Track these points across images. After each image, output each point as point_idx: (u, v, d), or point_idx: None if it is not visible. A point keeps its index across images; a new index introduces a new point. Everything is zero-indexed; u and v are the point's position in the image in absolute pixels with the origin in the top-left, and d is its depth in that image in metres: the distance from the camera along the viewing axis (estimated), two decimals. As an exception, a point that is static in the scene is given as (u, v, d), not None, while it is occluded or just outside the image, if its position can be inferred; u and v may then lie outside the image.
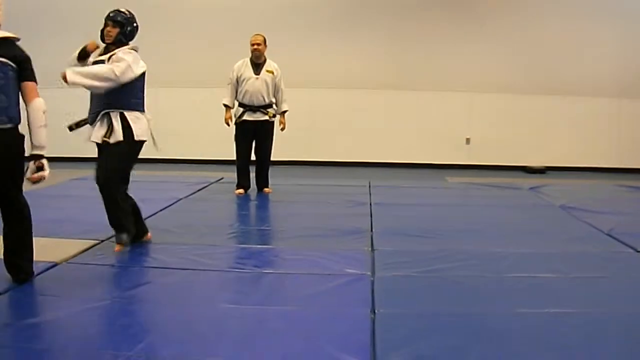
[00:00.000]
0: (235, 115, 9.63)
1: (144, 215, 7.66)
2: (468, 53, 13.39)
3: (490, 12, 13.38)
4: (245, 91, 9.49)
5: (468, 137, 13.75)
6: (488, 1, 13.46)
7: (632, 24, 13.64)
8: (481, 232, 7.26)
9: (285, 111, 9.70)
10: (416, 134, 14.13)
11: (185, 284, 5.30)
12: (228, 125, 9.70)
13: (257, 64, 9.53)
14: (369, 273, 5.53)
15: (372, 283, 5.26)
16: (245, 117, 9.55)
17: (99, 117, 6.36)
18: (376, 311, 4.57)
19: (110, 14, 6.34)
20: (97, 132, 6.35)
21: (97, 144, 6.35)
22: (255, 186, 9.88)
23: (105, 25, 6.32)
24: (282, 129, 9.69)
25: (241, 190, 9.71)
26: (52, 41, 14.24)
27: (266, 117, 9.58)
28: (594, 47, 13.41)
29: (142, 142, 6.52)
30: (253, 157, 9.82)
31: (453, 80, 13.54)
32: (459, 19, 13.74)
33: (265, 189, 9.86)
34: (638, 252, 6.40)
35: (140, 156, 13.76)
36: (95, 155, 6.50)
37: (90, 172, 11.71)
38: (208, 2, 14.08)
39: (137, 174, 11.62)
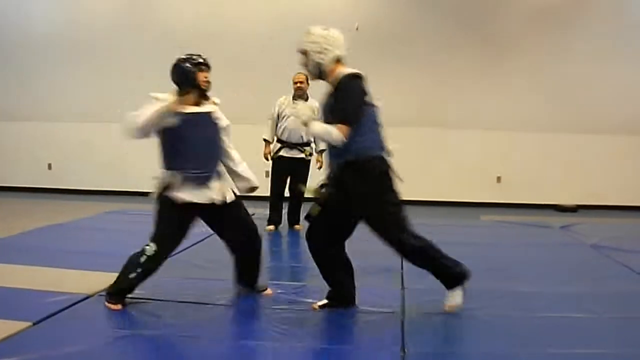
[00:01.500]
0: (272, 151, 9.71)
1: (177, 250, 7.74)
2: (499, 90, 13.38)
3: (522, 50, 13.36)
4: (285, 128, 9.59)
5: (499, 175, 13.72)
6: (520, 39, 13.47)
7: (635, 61, 13.57)
8: (512, 270, 7.23)
9: (323, 150, 9.60)
10: (448, 172, 14.10)
11: (212, 320, 5.32)
12: (267, 159, 9.78)
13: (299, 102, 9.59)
14: (400, 311, 5.52)
15: (402, 322, 5.25)
16: (282, 153, 9.64)
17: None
18: (406, 350, 4.56)
19: (206, 60, 5.92)
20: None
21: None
22: (286, 222, 9.92)
23: (202, 71, 5.84)
24: (319, 168, 9.59)
25: (272, 227, 9.74)
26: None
27: (303, 155, 9.65)
28: (625, 85, 13.36)
29: None
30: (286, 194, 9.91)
31: (484, 118, 13.52)
32: (491, 56, 13.75)
33: (296, 226, 9.88)
34: (671, 292, 6.36)
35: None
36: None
37: (122, 205, 11.92)
38: (248, 39, 14.15)
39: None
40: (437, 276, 5.70)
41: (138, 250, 5.74)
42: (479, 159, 13.74)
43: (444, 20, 14.04)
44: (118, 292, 5.64)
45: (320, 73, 5.61)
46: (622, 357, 4.57)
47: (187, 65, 5.75)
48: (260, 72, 13.57)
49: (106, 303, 5.56)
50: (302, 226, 9.54)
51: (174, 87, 5.78)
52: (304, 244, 8.90)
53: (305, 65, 5.66)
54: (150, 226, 8.96)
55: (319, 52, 5.58)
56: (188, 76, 5.74)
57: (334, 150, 5.51)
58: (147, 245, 5.74)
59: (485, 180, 13.86)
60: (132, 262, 5.71)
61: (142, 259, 5.67)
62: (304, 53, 5.64)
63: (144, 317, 5.34)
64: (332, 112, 5.47)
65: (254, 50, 14.08)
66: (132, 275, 5.67)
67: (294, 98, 9.60)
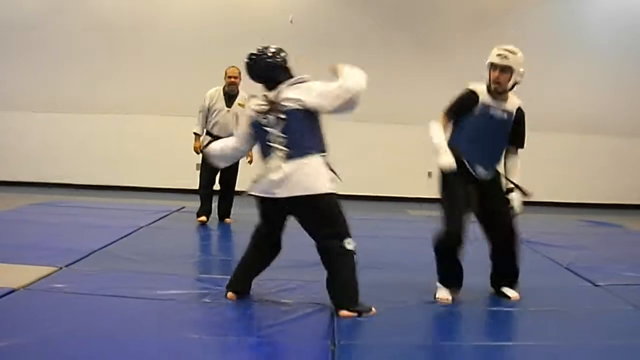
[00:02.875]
0: (203, 144, 9.42)
1: (105, 242, 7.65)
2: (431, 86, 13.50)
3: (456, 47, 13.50)
4: (216, 122, 9.50)
5: (430, 170, 13.83)
6: (456, 36, 13.61)
7: (592, 63, 13.88)
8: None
9: None
10: (378, 167, 14.18)
11: (144, 314, 5.26)
12: (197, 153, 9.62)
13: (230, 96, 9.53)
14: (330, 305, 5.52)
15: (332, 315, 5.25)
16: None
17: None
18: (337, 343, 4.57)
19: None
20: None
21: None
22: (216, 215, 9.84)
23: None
24: (250, 162, 9.46)
25: (203, 218, 9.66)
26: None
27: None
28: (558, 85, 13.60)
29: None
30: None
31: (415, 113, 13.61)
32: (424, 52, 13.88)
33: (227, 219, 9.84)
34: (596, 286, 6.47)
35: (101, 183, 13.75)
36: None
37: (49, 197, 11.73)
38: (177, 30, 14.09)
39: (98, 201, 11.64)
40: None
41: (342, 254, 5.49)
42: (410, 153, 13.83)
43: (381, 17, 14.16)
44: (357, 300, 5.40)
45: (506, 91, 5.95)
46: (547, 349, 4.64)
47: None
48: (193, 63, 13.47)
49: (364, 314, 5.31)
50: (233, 219, 9.54)
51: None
52: (234, 237, 8.98)
53: (498, 79, 5.87)
54: (79, 218, 8.87)
55: (521, 75, 5.96)
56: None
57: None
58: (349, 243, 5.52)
59: (415, 175, 13.97)
60: (351, 268, 5.48)
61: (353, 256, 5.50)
62: (508, 69, 5.85)
63: (71, 312, 5.25)
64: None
65: (187, 41, 14.01)
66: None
67: (226, 91, 9.55)
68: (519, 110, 6.18)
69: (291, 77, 5.71)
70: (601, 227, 11.01)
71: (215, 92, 9.60)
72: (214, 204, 9.87)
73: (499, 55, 5.92)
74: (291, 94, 5.51)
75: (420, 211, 12.23)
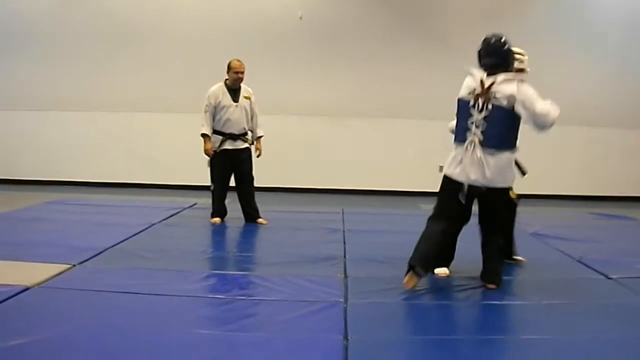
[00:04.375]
0: (214, 144, 9.23)
1: (117, 240, 7.67)
2: (440, 81, 13.48)
3: (468, 42, 13.43)
4: (227, 120, 9.18)
5: (441, 165, 13.80)
6: (467, 31, 13.58)
7: (598, 56, 13.85)
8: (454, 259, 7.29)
9: (261, 136, 9.49)
10: (389, 162, 14.19)
11: (156, 310, 5.28)
12: (209, 156, 9.31)
13: (234, 90, 9.25)
14: (342, 300, 5.53)
15: (345, 310, 5.26)
16: (226, 146, 9.24)
17: None
18: (349, 338, 4.57)
19: None
20: None
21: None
22: (234, 215, 9.63)
23: None
24: (258, 156, 9.45)
25: (217, 219, 9.45)
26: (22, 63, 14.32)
27: (247, 145, 9.35)
28: (562, 77, 13.55)
29: None
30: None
31: (425, 108, 13.61)
32: (433, 48, 13.87)
33: (259, 219, 9.50)
34: (609, 279, 6.46)
35: (112, 180, 13.80)
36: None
37: (62, 195, 11.77)
38: (184, 27, 14.11)
39: (110, 199, 11.68)
40: None
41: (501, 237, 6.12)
42: (421, 148, 13.83)
43: (388, 12, 14.14)
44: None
45: None
46: (560, 342, 4.64)
47: None
48: (204, 59, 13.46)
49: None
50: (266, 220, 9.44)
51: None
52: (246, 234, 8.98)
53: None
54: (92, 216, 8.91)
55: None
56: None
57: None
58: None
59: (427, 170, 13.96)
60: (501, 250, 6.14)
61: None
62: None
63: (85, 309, 5.27)
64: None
65: (196, 37, 14.03)
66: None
67: (229, 86, 9.27)
68: None
69: (510, 70, 5.89)
70: (612, 219, 10.98)
71: (218, 89, 9.27)
72: (234, 205, 9.66)
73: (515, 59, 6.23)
74: (505, 88, 5.70)
75: (431, 205, 12.21)
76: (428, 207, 11.85)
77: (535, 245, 8.36)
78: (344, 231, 8.87)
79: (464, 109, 5.88)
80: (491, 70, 5.82)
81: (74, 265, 6.44)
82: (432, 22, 14.12)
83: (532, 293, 5.90)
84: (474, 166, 5.78)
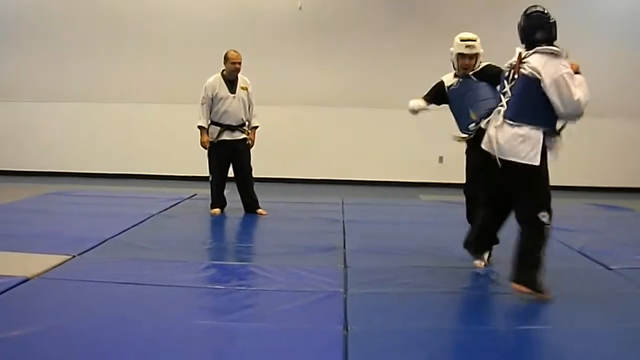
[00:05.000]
0: (212, 136, 9.24)
1: (117, 231, 7.68)
2: (441, 71, 13.46)
3: (467, 32, 13.47)
4: (224, 111, 9.16)
5: (441, 155, 13.83)
6: (468, 21, 13.54)
7: (598, 46, 13.84)
8: (453, 249, 7.27)
9: (256, 127, 9.49)
10: (390, 152, 14.19)
11: (156, 300, 5.29)
12: (205, 148, 9.32)
13: (231, 81, 9.23)
14: (342, 290, 5.53)
15: (345, 300, 5.26)
16: (224, 137, 9.22)
17: None
18: (349, 328, 4.58)
19: None
20: None
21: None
22: (233, 206, 9.61)
23: None
24: (251, 146, 9.44)
25: (217, 210, 9.46)
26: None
27: (244, 135, 9.32)
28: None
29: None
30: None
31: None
32: (433, 37, 13.82)
33: (258, 210, 9.48)
34: (609, 269, 6.46)
35: (112, 172, 13.80)
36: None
37: (61, 186, 11.78)
38: (180, 18, 14.11)
39: (109, 190, 11.68)
40: None
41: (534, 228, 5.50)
42: (421, 139, 13.81)
43: (388, 1, 14.10)
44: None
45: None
46: (560, 333, 4.65)
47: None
48: (202, 50, 13.45)
49: (535, 296, 5.35)
50: (266, 211, 9.43)
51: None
52: (246, 225, 8.99)
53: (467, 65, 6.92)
54: (92, 207, 8.93)
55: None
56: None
57: None
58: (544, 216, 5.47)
59: (427, 161, 13.97)
60: (537, 242, 5.49)
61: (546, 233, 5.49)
62: (474, 55, 6.95)
63: (85, 300, 5.27)
64: None
65: (195, 28, 14.03)
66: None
67: (226, 77, 9.25)
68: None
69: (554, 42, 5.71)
70: (612, 210, 10.98)
71: (215, 80, 9.24)
72: (233, 196, 9.65)
73: (467, 46, 6.98)
74: (532, 60, 5.50)
75: (432, 196, 12.23)
76: (428, 198, 11.94)
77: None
78: (343, 222, 8.86)
79: (501, 81, 5.80)
80: (535, 44, 5.60)
81: (74, 257, 6.44)
82: (433, 10, 14.11)
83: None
84: (492, 135, 5.59)
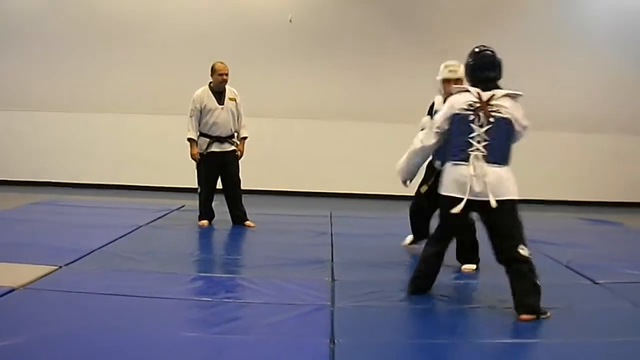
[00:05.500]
0: (201, 147, 9.20)
1: (104, 241, 7.65)
2: (428, 85, 13.46)
3: (459, 46, 13.44)
4: (213, 123, 9.13)
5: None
6: (452, 36, 13.61)
7: (591, 62, 13.90)
8: (444, 262, 7.29)
9: (245, 137, 9.45)
10: (378, 165, 14.18)
11: (143, 312, 5.27)
12: (195, 161, 9.26)
13: (219, 92, 9.20)
14: (329, 303, 5.53)
15: (332, 313, 5.26)
16: (213, 148, 9.19)
17: None
18: (336, 341, 4.57)
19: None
20: None
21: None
22: (221, 218, 9.57)
23: None
24: (239, 157, 9.41)
25: (206, 222, 9.42)
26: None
27: (233, 147, 9.30)
28: (551, 82, 13.61)
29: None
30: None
31: (414, 112, 13.56)
32: (421, 51, 13.87)
33: (247, 222, 9.44)
34: (596, 284, 6.47)
35: (100, 182, 13.75)
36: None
37: (48, 196, 11.74)
38: (170, 29, 14.09)
39: (97, 200, 11.64)
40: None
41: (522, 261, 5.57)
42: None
43: (377, 15, 14.17)
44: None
45: None
46: (547, 347, 4.67)
47: None
48: (192, 63, 13.44)
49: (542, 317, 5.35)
50: (254, 223, 9.41)
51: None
52: (234, 237, 8.96)
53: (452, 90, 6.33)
54: (79, 217, 8.89)
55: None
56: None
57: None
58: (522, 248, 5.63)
59: (421, 175, 13.97)
60: (529, 272, 5.54)
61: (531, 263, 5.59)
62: (459, 80, 6.93)
63: (71, 311, 5.25)
64: None
65: (187, 40, 14.02)
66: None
67: (214, 89, 9.22)
68: None
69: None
70: (601, 225, 11.00)
71: (202, 92, 9.21)
72: (221, 208, 9.62)
73: (450, 71, 7.29)
74: (505, 104, 5.72)
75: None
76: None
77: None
78: (331, 234, 8.86)
79: (462, 124, 5.72)
80: (488, 84, 5.79)
81: (60, 267, 6.42)
82: (421, 25, 14.14)
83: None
84: (479, 180, 5.59)
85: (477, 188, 5.57)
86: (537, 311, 5.32)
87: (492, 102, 5.66)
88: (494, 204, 5.51)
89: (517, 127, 5.75)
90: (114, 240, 7.88)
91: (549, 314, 5.35)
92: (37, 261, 6.50)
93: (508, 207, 5.67)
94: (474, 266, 6.97)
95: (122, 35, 14.13)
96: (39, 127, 14.31)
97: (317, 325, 4.99)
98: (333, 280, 6.38)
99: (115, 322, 4.95)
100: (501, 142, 5.68)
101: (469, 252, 7.02)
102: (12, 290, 5.53)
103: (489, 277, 6.42)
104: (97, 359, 4.22)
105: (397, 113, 13.85)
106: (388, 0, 14.22)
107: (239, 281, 6.37)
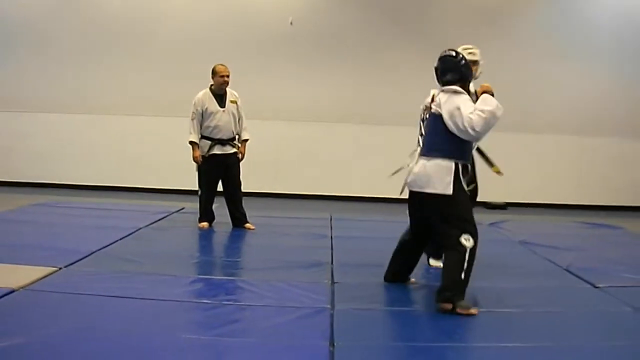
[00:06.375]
0: (202, 150, 9.20)
1: (104, 243, 7.65)
2: (428, 88, 13.49)
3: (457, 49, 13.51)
4: (215, 126, 9.14)
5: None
6: (456, 37, 13.57)
7: (591, 65, 13.90)
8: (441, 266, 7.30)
9: (246, 140, 9.48)
10: (379, 168, 14.16)
11: (143, 314, 5.27)
12: (198, 163, 9.26)
13: (220, 95, 9.23)
14: (329, 306, 5.53)
15: (332, 316, 5.26)
16: (215, 151, 9.20)
17: None
18: (335, 344, 4.58)
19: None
20: None
21: None
22: (221, 220, 9.58)
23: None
24: (241, 159, 9.44)
25: (205, 224, 9.42)
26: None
27: (235, 150, 9.32)
28: (556, 85, 13.61)
29: None
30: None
31: (415, 115, 13.58)
32: (424, 54, 13.83)
33: (247, 224, 9.45)
34: (596, 287, 6.47)
35: (100, 184, 13.73)
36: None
37: (49, 197, 11.73)
38: (171, 32, 14.08)
39: (97, 202, 11.64)
40: None
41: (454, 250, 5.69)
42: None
43: (378, 18, 14.15)
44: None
45: None
46: (546, 350, 4.65)
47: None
48: (194, 65, 13.44)
49: (459, 310, 5.48)
50: (254, 226, 9.40)
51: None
52: (235, 239, 8.96)
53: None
54: (79, 219, 8.89)
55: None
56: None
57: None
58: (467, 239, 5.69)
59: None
60: (458, 263, 5.64)
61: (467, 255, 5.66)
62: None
63: (71, 313, 5.25)
64: None
65: (189, 42, 14.02)
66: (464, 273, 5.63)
67: (215, 92, 9.25)
68: None
69: (469, 82, 6.26)
70: (600, 229, 10.99)
71: (204, 95, 9.24)
72: (221, 210, 9.62)
73: (469, 53, 6.95)
74: (440, 98, 5.96)
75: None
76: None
77: (523, 253, 8.38)
78: (331, 237, 8.86)
79: (419, 125, 6.36)
80: (447, 85, 6.04)
81: (60, 268, 6.42)
82: (423, 28, 14.10)
83: (520, 301, 5.91)
84: (413, 172, 6.09)
85: (409, 179, 6.18)
86: (454, 303, 5.51)
87: (435, 99, 5.99)
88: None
89: (445, 120, 5.80)
90: (114, 242, 7.88)
91: (475, 311, 5.49)
92: (36, 262, 6.50)
93: (431, 200, 5.86)
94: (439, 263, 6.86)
95: (125, 38, 14.12)
96: (39, 128, 14.29)
97: (317, 328, 4.99)
98: (333, 283, 6.38)
99: (114, 324, 4.95)
100: (433, 137, 5.93)
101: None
102: (11, 291, 5.53)
103: (488, 282, 6.42)
104: (94, 360, 4.22)
105: (397, 116, 13.84)
106: (390, 3, 14.20)
107: (238, 283, 6.37)
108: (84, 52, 14.10)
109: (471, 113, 5.68)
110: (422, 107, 6.35)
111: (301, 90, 14.01)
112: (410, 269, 6.49)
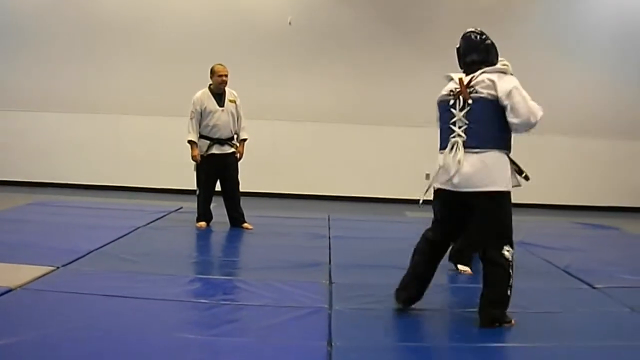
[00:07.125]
0: (201, 149, 9.19)
1: (102, 242, 7.64)
2: (428, 89, 13.47)
3: (453, 49, 13.50)
4: (214, 125, 9.13)
5: (427, 172, 13.83)
6: (454, 38, 13.60)
7: (589, 66, 13.91)
8: (439, 266, 7.28)
9: (244, 139, 9.46)
10: (376, 168, 14.19)
11: (140, 313, 5.26)
12: (197, 162, 9.25)
13: (219, 94, 9.21)
14: (327, 306, 5.52)
15: (330, 316, 5.26)
16: (214, 150, 9.19)
17: None
18: (333, 344, 4.57)
19: None
20: None
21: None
22: (219, 220, 9.57)
23: None
24: (239, 159, 9.43)
25: (203, 224, 9.42)
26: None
27: (233, 150, 9.31)
28: (553, 87, 13.61)
29: None
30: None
31: (413, 116, 13.61)
32: (423, 55, 13.87)
33: (244, 224, 9.45)
34: (594, 288, 6.47)
35: (98, 183, 13.73)
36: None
37: (46, 196, 11.72)
38: (170, 32, 14.08)
39: (95, 201, 11.63)
40: None
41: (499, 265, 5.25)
42: (408, 155, 13.82)
43: (378, 18, 14.16)
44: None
45: None
46: (545, 351, 4.65)
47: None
48: (190, 64, 13.44)
49: (505, 326, 5.15)
50: (252, 226, 9.40)
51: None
52: (232, 239, 8.95)
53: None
54: (77, 218, 8.86)
55: None
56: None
57: None
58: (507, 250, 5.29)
59: (413, 177, 13.96)
60: (504, 279, 5.22)
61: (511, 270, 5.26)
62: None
63: (68, 312, 5.24)
64: None
65: (185, 42, 14.01)
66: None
67: (214, 91, 9.24)
68: None
69: (493, 65, 5.44)
70: (598, 229, 11.00)
71: (202, 94, 9.22)
72: (219, 210, 9.64)
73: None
74: (485, 78, 5.23)
75: (418, 213, 12.21)
76: (414, 215, 11.92)
77: (521, 254, 8.34)
78: (329, 237, 8.85)
79: (444, 111, 5.45)
80: (473, 67, 5.41)
81: (58, 268, 6.41)
82: (422, 29, 14.12)
83: (518, 302, 5.89)
84: (456, 169, 5.25)
85: (454, 178, 5.27)
86: (501, 322, 5.16)
87: (472, 84, 5.25)
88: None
89: (503, 103, 5.14)
90: (112, 242, 7.86)
91: (513, 321, 5.22)
92: (34, 262, 6.49)
93: (488, 200, 5.25)
94: (468, 269, 6.96)
95: (123, 37, 14.12)
96: (37, 127, 14.30)
97: (315, 328, 4.98)
98: (331, 283, 6.37)
99: (112, 324, 4.93)
100: (483, 125, 5.22)
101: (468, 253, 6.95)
102: (9, 290, 5.51)
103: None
104: (91, 360, 4.21)
105: (396, 116, 13.88)
106: (389, 4, 14.21)
107: (236, 283, 6.37)
108: (81, 51, 14.11)
109: (531, 100, 5.20)
110: (444, 94, 5.50)
111: (299, 90, 14.02)
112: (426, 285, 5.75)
